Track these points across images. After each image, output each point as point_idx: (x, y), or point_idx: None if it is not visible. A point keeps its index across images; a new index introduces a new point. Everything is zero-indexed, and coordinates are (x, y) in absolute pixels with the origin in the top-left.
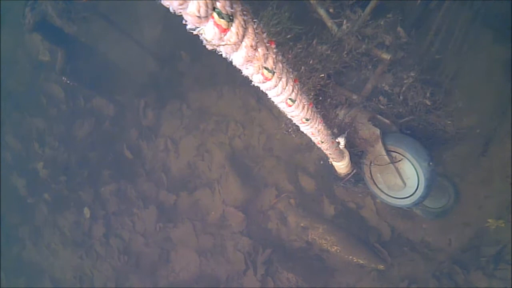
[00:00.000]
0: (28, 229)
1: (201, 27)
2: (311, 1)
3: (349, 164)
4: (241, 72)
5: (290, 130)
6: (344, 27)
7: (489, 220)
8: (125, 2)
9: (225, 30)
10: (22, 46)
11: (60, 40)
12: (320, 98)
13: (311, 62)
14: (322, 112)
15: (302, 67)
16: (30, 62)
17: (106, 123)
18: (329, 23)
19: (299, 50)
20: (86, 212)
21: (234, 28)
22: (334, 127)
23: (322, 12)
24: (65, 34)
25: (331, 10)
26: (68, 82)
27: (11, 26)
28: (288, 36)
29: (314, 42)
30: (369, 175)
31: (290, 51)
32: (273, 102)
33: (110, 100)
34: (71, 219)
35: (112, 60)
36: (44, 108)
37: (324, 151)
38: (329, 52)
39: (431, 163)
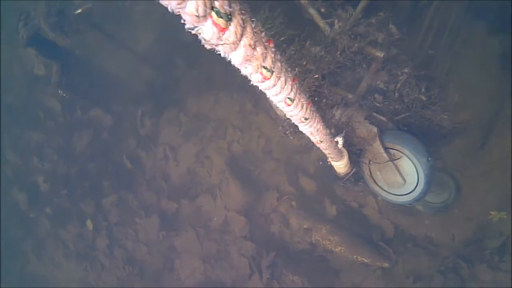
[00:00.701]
0: (31, 243)
1: (200, 26)
2: (302, 2)
3: (348, 163)
4: (240, 72)
5: (287, 133)
6: (336, 26)
7: (491, 213)
8: (118, 12)
9: (223, 29)
10: (18, 60)
11: (55, 54)
12: (316, 99)
13: (305, 63)
14: (318, 113)
15: (296, 69)
16: (26, 77)
17: (104, 134)
18: (321, 23)
19: (293, 52)
20: (89, 224)
21: (233, 27)
22: (331, 127)
23: (313, 12)
24: (59, 47)
25: (322, 10)
26: (64, 95)
27: (6, 41)
28: (281, 38)
29: (307, 43)
30: (369, 174)
31: (283, 54)
32: (271, 103)
33: (107, 110)
34: (74, 232)
35: (107, 70)
36: (41, 122)
37: (323, 150)
38: (322, 52)
39: (430, 159)
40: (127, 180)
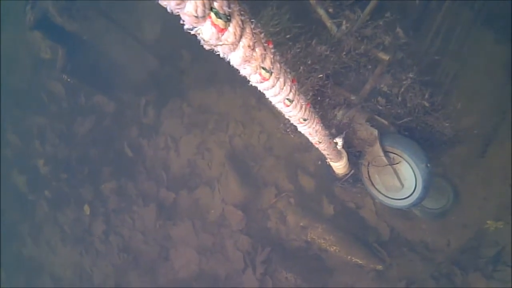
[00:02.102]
0: (29, 225)
1: (199, 27)
2: (311, 1)
3: (347, 165)
4: (239, 72)
5: (288, 130)
6: (343, 27)
7: (488, 222)
8: (126, 1)
9: (222, 30)
10: (24, 43)
11: (61, 38)
12: (319, 98)
13: (309, 62)
14: (320, 113)
15: (301, 67)
16: (31, 60)
17: (107, 121)
18: (329, 23)
19: (298, 50)
20: (86, 209)
21: (232, 28)
22: (332, 128)
23: (321, 12)
24: (66, 32)
25: (330, 10)
26: (68, 79)
27: (12, 23)
28: (288, 36)
29: (313, 42)
30: (367, 176)
31: (289, 51)
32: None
33: (111, 97)
34: (71, 216)
35: (113, 57)
36: (45, 106)
37: (322, 151)
38: (328, 52)
39: (428, 165)
40: (127, 168)
